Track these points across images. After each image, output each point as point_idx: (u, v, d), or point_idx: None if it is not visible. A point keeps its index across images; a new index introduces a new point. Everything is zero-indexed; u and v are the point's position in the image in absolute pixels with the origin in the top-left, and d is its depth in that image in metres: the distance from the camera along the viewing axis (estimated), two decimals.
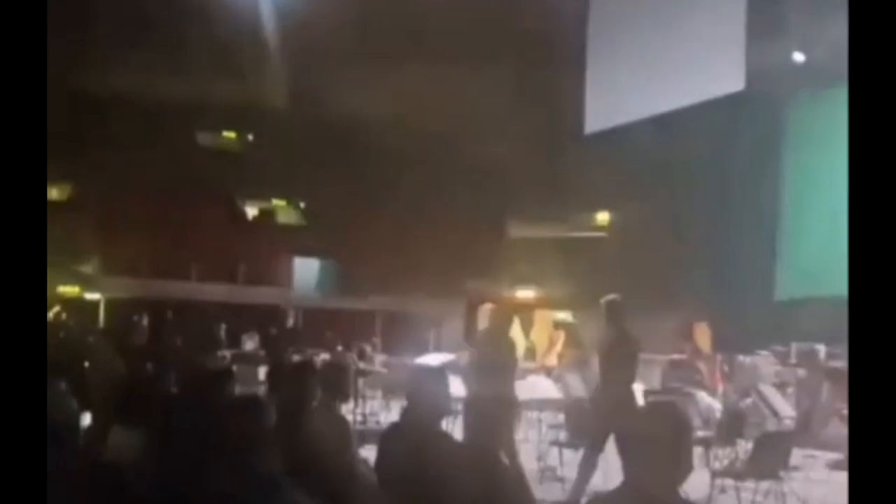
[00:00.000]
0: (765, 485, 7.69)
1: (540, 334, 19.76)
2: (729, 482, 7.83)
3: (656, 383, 11.68)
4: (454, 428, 6.91)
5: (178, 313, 18.83)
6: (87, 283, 22.49)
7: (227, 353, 16.00)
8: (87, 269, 22.73)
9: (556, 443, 9.02)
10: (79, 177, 23.59)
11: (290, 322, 15.95)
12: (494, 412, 3.70)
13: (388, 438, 4.15)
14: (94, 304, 22.21)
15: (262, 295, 22.51)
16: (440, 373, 4.68)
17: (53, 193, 24.92)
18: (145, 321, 9.24)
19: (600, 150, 17.91)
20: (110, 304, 22.00)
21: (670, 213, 19.26)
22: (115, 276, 22.57)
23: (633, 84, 12.61)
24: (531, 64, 19.12)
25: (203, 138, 26.18)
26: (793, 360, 13.52)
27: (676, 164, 18.54)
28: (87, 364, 6.67)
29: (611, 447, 8.53)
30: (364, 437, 5.82)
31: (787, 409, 9.35)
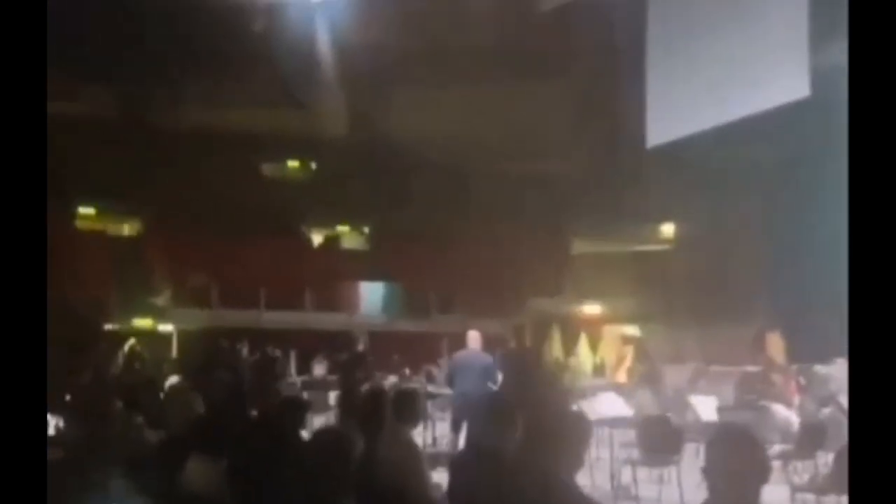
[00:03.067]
0: (846, 499, 7.45)
1: (608, 350, 19.61)
2: (810, 497, 7.62)
3: (729, 397, 11.44)
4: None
5: (249, 341, 19.09)
6: (160, 316, 22.99)
7: (298, 380, 16.17)
8: (160, 301, 23.24)
9: (629, 461, 8.89)
10: (149, 211, 24.20)
11: (359, 346, 16.05)
12: (562, 431, 3.65)
13: (459, 465, 4.13)
14: (167, 336, 22.68)
15: (329, 321, 22.71)
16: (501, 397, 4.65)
17: (125, 229, 25.60)
18: (218, 351, 9.40)
19: (663, 163, 17.73)
20: (183, 336, 22.44)
21: (737, 222, 18.97)
22: (187, 308, 23.04)
23: (695, 94, 12.42)
24: (590, 78, 19.06)
25: (268, 168, 26.62)
26: None
27: (742, 174, 18.27)
28: (162, 395, 6.81)
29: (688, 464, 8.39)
30: (435, 461, 5.81)
31: None
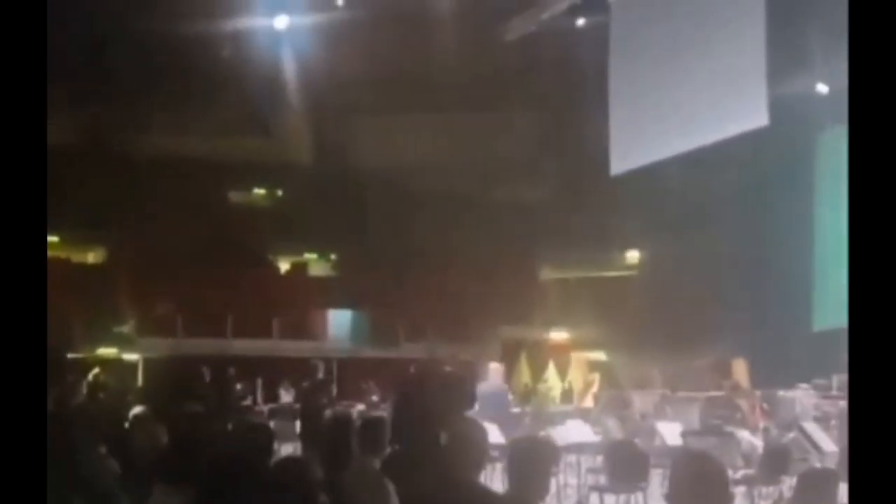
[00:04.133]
0: None
1: (576, 376, 19.66)
2: None
3: (695, 422, 11.52)
4: (492, 477, 6.85)
5: (215, 370, 18.90)
6: (125, 344, 22.71)
7: (265, 408, 16.01)
8: (126, 329, 22.97)
9: (595, 487, 8.91)
10: (113, 239, 23.97)
11: (319, 373, 15.98)
12: (533, 459, 3.67)
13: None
14: (133, 365, 22.40)
15: (297, 348, 22.55)
16: (474, 422, 4.64)
17: (90, 257, 25.31)
18: (184, 380, 9.31)
19: (627, 191, 17.91)
20: (149, 365, 22.17)
21: (701, 248, 19.16)
22: (152, 337, 22.79)
23: (658, 122, 12.57)
24: (555, 106, 19.26)
25: (235, 196, 26.52)
26: (834, 392, 13.28)
27: (705, 201, 18.49)
28: (127, 425, 6.72)
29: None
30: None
31: (830, 445, 9.18)
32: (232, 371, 19.20)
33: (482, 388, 10.41)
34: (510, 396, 10.34)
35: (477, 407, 10.07)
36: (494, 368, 10.62)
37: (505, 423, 9.03)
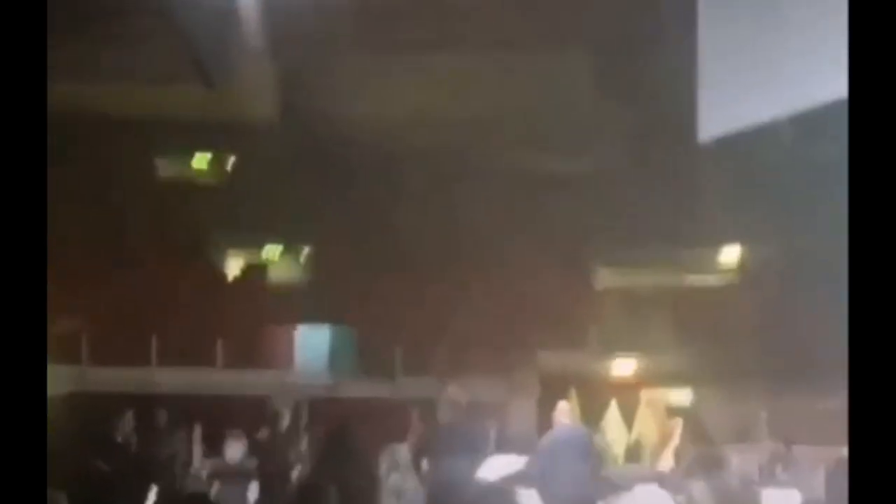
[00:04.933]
0: None
1: (648, 425, 19.63)
2: None
3: (819, 490, 11.48)
4: None
5: (135, 412, 18.97)
6: None
7: (205, 467, 16.02)
8: None
9: None
10: None
11: (289, 419, 15.82)
12: None
13: None
14: None
15: (250, 381, 22.59)
16: (506, 493, 4.65)
17: None
18: (90, 427, 9.32)
19: (721, 163, 17.84)
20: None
21: (828, 243, 19.00)
22: (48, 364, 22.85)
23: (762, 71, 12.68)
24: (616, 47, 19.25)
25: (167, 166, 26.55)
26: None
27: (829, 180, 18.37)
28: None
29: None
30: None
31: None
32: (160, 414, 19.26)
33: (552, 438, 10.41)
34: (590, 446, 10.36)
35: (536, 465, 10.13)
36: (562, 410, 10.63)
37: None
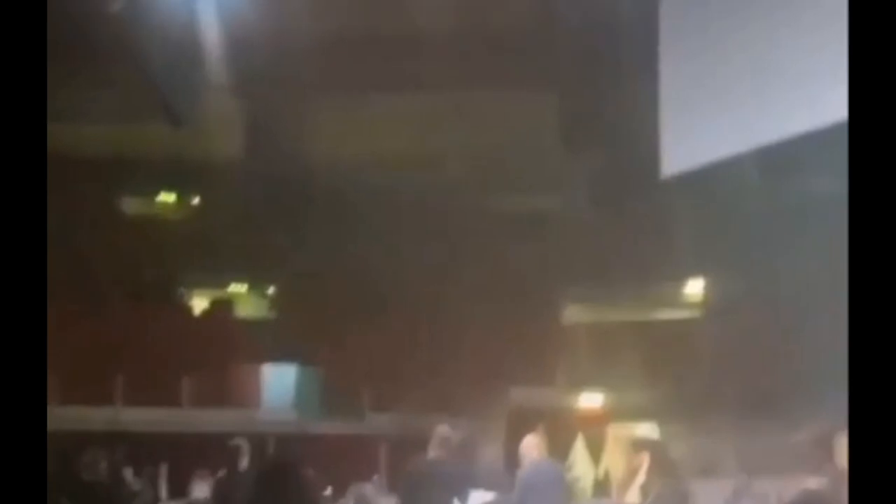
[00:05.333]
0: None
1: (615, 458, 19.61)
2: None
3: None
4: None
5: (100, 452, 18.79)
6: None
7: None
8: None
9: None
10: None
11: (242, 459, 15.70)
12: None
13: None
14: None
15: (216, 420, 22.47)
16: None
17: None
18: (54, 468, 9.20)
19: (684, 199, 17.98)
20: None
21: (789, 279, 19.24)
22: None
23: (726, 108, 12.83)
24: (582, 88, 19.38)
25: (132, 205, 26.48)
26: None
27: (793, 212, 18.59)
28: None
29: None
30: None
31: None
32: (126, 453, 19.12)
33: (528, 472, 10.47)
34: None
35: None
36: (530, 444, 10.70)
37: None
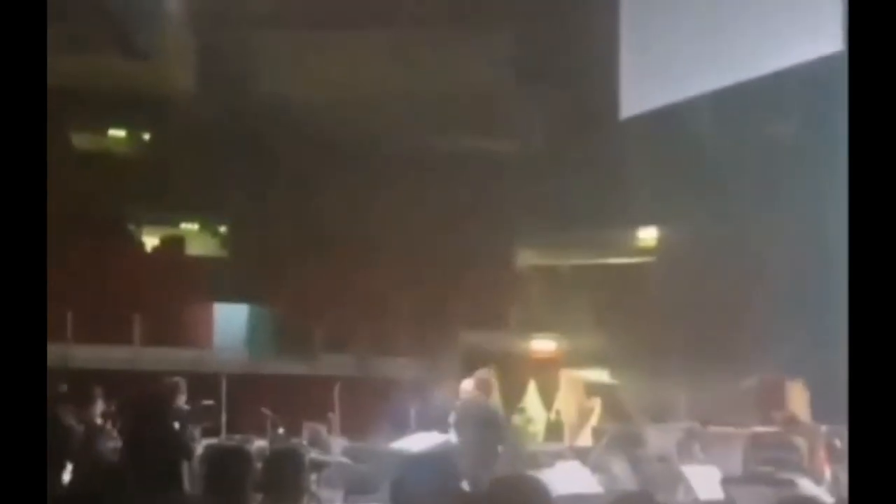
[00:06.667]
0: None
1: (567, 403, 19.71)
2: None
3: (736, 468, 11.58)
4: None
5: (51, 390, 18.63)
6: None
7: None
8: None
9: None
10: None
11: (180, 396, 15.61)
12: None
13: None
14: None
15: (167, 359, 22.37)
16: (438, 461, 4.67)
17: None
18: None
19: (641, 142, 17.94)
20: None
21: (740, 224, 19.29)
22: None
23: (683, 50, 12.81)
24: (542, 29, 19.26)
25: (80, 140, 26.17)
26: None
27: (748, 157, 18.61)
28: None
29: None
30: None
31: None
32: (76, 397, 18.96)
33: (456, 414, 10.63)
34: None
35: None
36: (465, 386, 10.91)
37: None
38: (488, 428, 10.94)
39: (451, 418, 11.00)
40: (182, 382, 11.95)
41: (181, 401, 12.16)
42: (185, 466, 9.71)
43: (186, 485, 8.39)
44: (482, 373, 11.54)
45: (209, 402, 15.73)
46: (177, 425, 11.67)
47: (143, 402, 10.75)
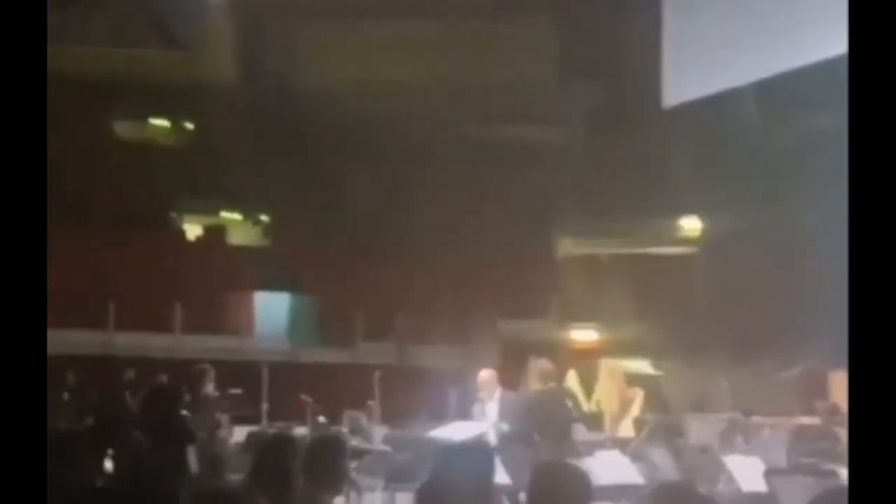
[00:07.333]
0: None
1: (607, 393, 19.64)
2: None
3: (779, 459, 11.52)
4: None
5: (90, 376, 18.81)
6: None
7: None
8: None
9: None
10: None
11: (208, 385, 15.63)
12: (565, 498, 3.69)
13: None
14: None
15: (208, 347, 22.48)
16: (478, 451, 4.71)
17: None
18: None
19: (685, 131, 17.85)
20: None
21: (787, 214, 19.17)
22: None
23: (727, 37, 12.70)
24: (581, 15, 19.18)
25: (124, 129, 26.32)
26: None
27: (790, 147, 18.49)
28: None
29: None
30: None
31: None
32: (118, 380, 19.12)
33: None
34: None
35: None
36: (483, 378, 10.98)
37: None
38: (564, 419, 11.07)
39: (521, 409, 11.07)
40: (210, 369, 11.99)
41: (209, 388, 12.22)
42: (190, 451, 9.85)
43: (194, 468, 8.43)
44: (544, 363, 11.66)
45: (237, 390, 15.86)
46: (185, 412, 11.80)
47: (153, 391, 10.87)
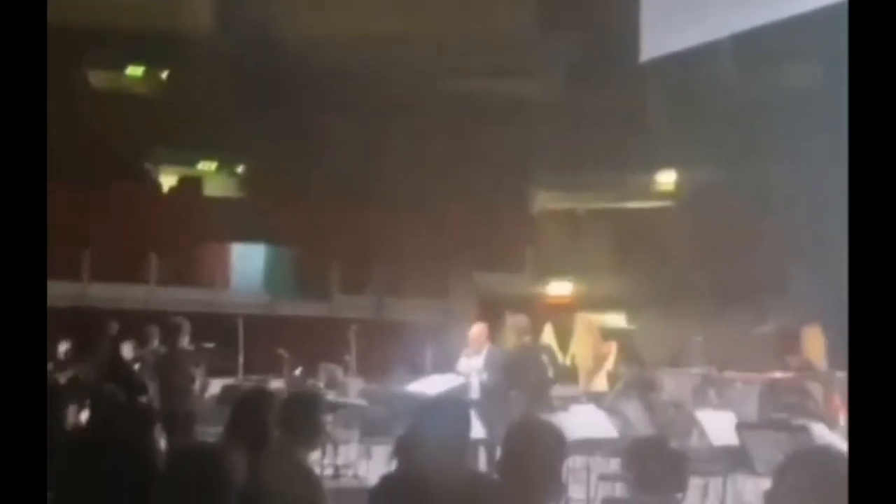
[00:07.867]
0: None
1: (582, 347, 19.74)
2: None
3: (751, 413, 11.65)
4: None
5: (67, 328, 18.78)
6: None
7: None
8: None
9: (611, 501, 8.97)
10: None
11: (183, 336, 15.62)
12: (539, 453, 3.73)
13: (378, 500, 4.11)
14: None
15: (184, 299, 22.46)
16: (454, 405, 4.74)
17: None
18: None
19: (661, 86, 17.85)
20: None
21: (763, 171, 19.22)
22: None
23: None
24: None
25: (97, 78, 26.11)
26: None
27: (770, 103, 18.49)
28: None
29: None
30: (338, 498, 5.79)
31: None
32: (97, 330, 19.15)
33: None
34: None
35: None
36: (474, 333, 11.01)
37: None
38: (542, 372, 11.17)
39: (500, 362, 11.17)
40: (185, 322, 11.95)
41: (184, 341, 12.19)
42: (141, 400, 9.96)
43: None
44: (521, 319, 11.75)
45: (210, 344, 15.84)
46: (137, 366, 11.87)
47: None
